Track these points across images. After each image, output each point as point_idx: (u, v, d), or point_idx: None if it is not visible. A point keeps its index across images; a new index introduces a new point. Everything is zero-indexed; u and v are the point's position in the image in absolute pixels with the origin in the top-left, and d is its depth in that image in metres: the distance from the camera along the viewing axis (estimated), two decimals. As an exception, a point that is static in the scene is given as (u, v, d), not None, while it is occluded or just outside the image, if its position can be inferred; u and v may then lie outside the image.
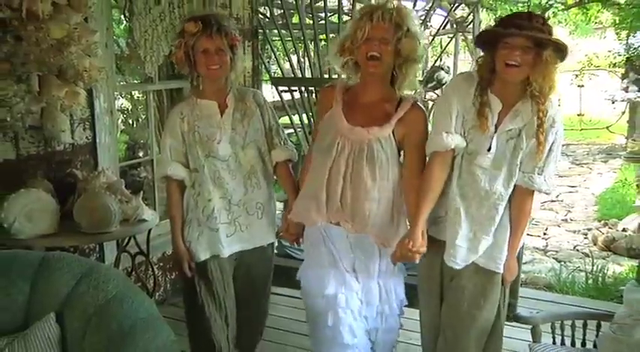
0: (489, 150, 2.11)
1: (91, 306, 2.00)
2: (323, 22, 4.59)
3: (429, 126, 2.27)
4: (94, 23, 3.09)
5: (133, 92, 5.36)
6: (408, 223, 2.25)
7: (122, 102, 5.57)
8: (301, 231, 2.43)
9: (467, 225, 2.16)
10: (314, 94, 4.36)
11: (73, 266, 2.14)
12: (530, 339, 2.44)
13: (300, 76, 4.58)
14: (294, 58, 4.56)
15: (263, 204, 2.49)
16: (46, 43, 2.69)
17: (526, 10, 2.22)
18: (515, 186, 2.15)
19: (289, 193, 2.53)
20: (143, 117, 5.21)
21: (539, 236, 6.28)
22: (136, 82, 4.63)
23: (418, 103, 2.25)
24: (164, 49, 3.66)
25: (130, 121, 5.72)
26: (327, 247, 2.30)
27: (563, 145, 2.22)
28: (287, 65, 4.93)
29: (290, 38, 4.62)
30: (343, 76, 2.31)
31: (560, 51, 2.02)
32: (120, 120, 5.17)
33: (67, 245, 2.86)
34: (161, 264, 3.86)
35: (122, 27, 4.64)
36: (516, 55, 1.98)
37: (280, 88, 4.87)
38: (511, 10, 10.53)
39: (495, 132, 2.11)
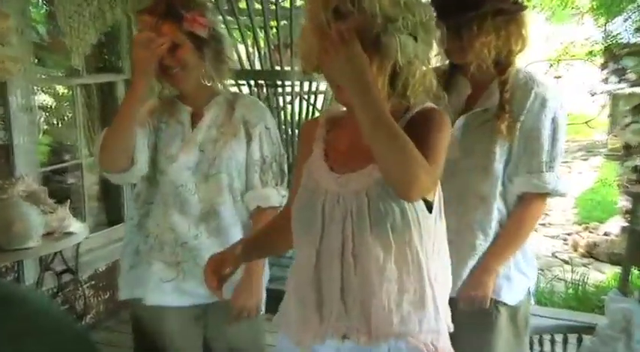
0: None
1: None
2: (274, 7, 4.59)
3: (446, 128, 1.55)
4: (5, 5, 3.03)
5: (56, 86, 5.23)
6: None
7: (44, 99, 5.44)
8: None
9: None
10: (264, 88, 4.35)
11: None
12: (507, 356, 2.48)
13: (249, 68, 4.58)
14: (241, 49, 4.55)
15: None
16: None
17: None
18: None
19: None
20: (69, 115, 5.10)
21: (515, 242, 6.39)
22: (59, 74, 4.53)
23: (431, 106, 1.54)
24: (92, 37, 3.61)
25: (54, 120, 5.61)
26: None
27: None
28: (235, 56, 4.93)
29: (237, 26, 4.60)
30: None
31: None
32: (41, 119, 5.04)
33: (-22, 264, 2.80)
34: (93, 283, 3.80)
35: (42, 11, 4.53)
36: None
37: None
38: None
39: None
